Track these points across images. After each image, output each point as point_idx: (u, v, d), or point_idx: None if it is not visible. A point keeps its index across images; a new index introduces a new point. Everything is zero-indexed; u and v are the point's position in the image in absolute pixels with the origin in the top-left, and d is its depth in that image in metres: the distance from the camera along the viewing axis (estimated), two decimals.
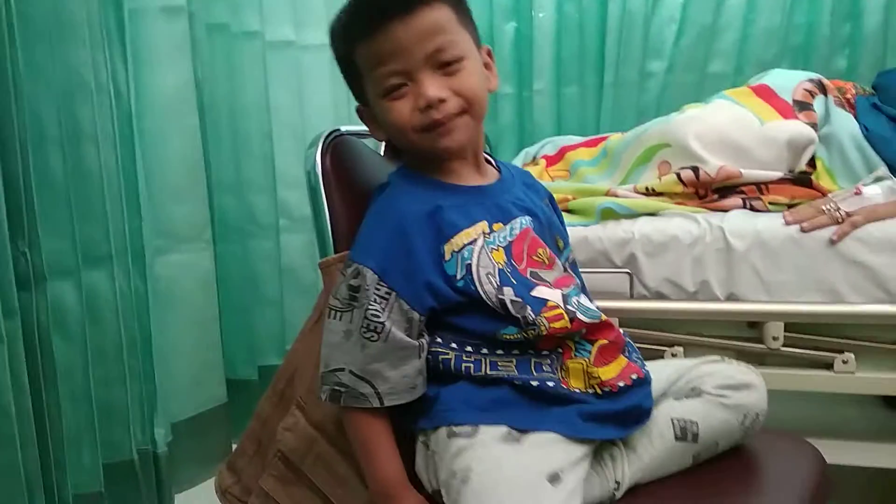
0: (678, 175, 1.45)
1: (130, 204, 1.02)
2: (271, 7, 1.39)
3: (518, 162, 1.94)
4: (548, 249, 0.83)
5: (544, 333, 0.77)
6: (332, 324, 0.78)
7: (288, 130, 1.42)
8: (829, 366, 1.24)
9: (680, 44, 2.07)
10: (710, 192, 1.44)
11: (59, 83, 0.92)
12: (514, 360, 0.78)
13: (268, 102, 1.36)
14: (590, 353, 0.80)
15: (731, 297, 1.29)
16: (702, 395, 0.86)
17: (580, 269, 1.08)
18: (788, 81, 1.58)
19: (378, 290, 0.76)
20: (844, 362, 1.23)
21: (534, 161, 1.91)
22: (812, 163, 1.47)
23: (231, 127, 1.29)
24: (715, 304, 1.29)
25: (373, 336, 0.76)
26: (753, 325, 1.28)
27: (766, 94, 1.56)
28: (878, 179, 1.30)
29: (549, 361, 0.78)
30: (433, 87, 0.76)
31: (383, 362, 0.76)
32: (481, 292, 0.76)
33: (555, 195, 1.51)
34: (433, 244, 0.77)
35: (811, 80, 1.57)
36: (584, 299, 0.82)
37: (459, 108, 0.77)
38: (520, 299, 0.77)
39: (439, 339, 0.79)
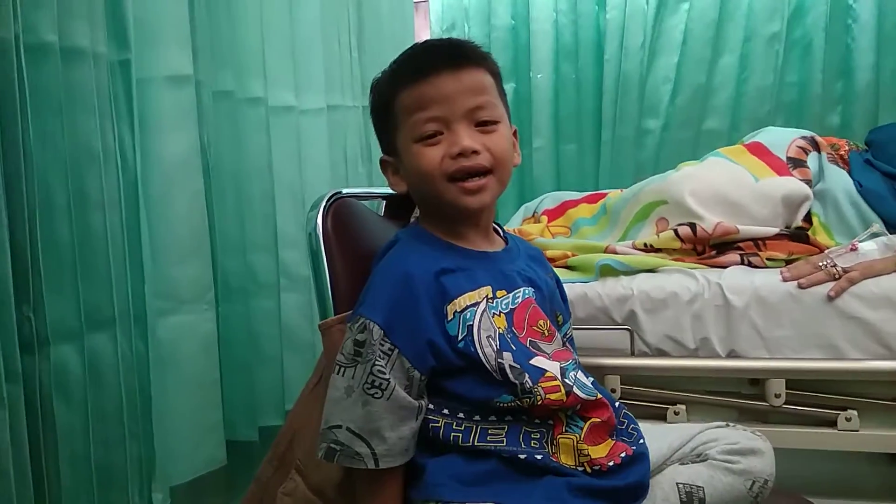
0: (676, 231, 1.46)
1: (134, 267, 1.03)
2: (274, 74, 1.43)
3: (518, 217, 1.97)
4: (548, 321, 0.85)
5: (539, 403, 0.77)
6: (336, 379, 0.78)
7: (288, 191, 1.45)
8: (832, 423, 1.23)
9: (675, 102, 2.12)
10: (708, 248, 1.46)
11: (68, 151, 0.95)
12: (506, 428, 0.78)
13: (270, 164, 1.40)
14: (581, 429, 0.80)
15: (731, 354, 1.29)
16: (707, 460, 0.86)
17: (581, 327, 1.10)
18: (782, 139, 1.61)
19: (382, 345, 0.76)
20: (848, 419, 1.22)
21: (534, 217, 1.94)
22: (808, 219, 1.49)
23: (235, 189, 1.32)
24: (716, 361, 1.29)
25: (376, 392, 0.76)
26: (755, 383, 1.28)
27: (760, 151, 1.59)
28: (874, 235, 1.31)
29: (538, 434, 0.79)
30: (469, 138, 0.79)
31: (384, 421, 0.76)
32: (481, 354, 0.77)
33: (555, 251, 1.55)
34: (437, 304, 0.79)
35: (804, 138, 1.60)
36: (581, 375, 0.83)
37: (489, 164, 0.80)
38: (518, 366, 0.78)
39: (431, 406, 0.80)
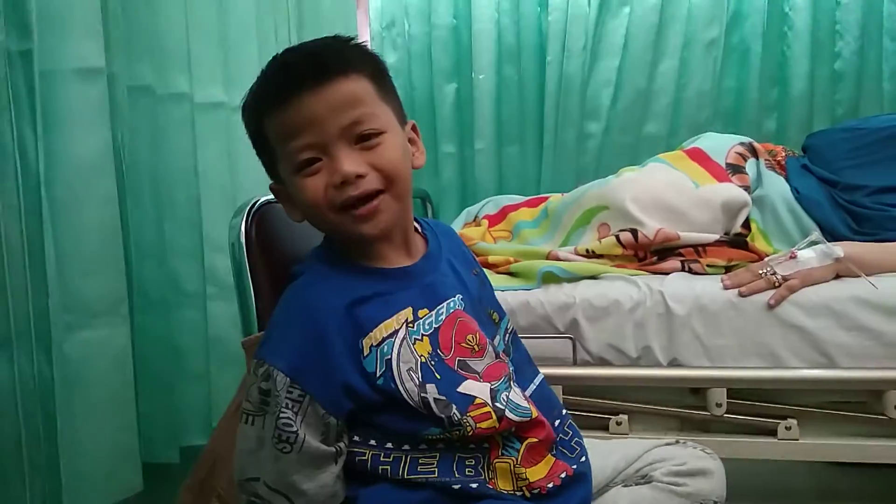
0: (617, 237, 1.44)
1: (36, 279, 0.94)
2: (201, 68, 1.34)
3: (460, 221, 1.93)
4: (478, 334, 0.78)
5: (470, 434, 0.72)
6: (245, 429, 0.71)
7: (218, 194, 1.36)
8: (772, 432, 1.23)
9: (616, 106, 2.11)
10: (649, 254, 1.44)
11: None
12: (438, 456, 0.73)
13: (196, 165, 1.31)
14: (518, 451, 0.75)
15: (673, 363, 1.28)
16: (652, 482, 0.82)
17: (523, 335, 1.05)
18: (721, 145, 1.61)
19: (290, 392, 0.69)
20: (787, 428, 1.22)
21: (475, 221, 1.90)
22: (747, 225, 1.49)
23: (154, 192, 1.22)
24: (658, 371, 1.27)
25: (285, 447, 0.69)
26: (697, 392, 1.26)
27: (699, 157, 1.59)
28: (813, 243, 1.32)
29: (473, 461, 0.73)
30: (349, 161, 0.71)
31: (298, 475, 0.70)
32: (402, 391, 0.71)
33: (497, 256, 1.51)
34: (351, 340, 0.72)
35: (742, 144, 1.61)
36: (514, 394, 0.77)
37: (379, 184, 0.72)
38: (444, 397, 0.72)
39: (357, 438, 0.74)
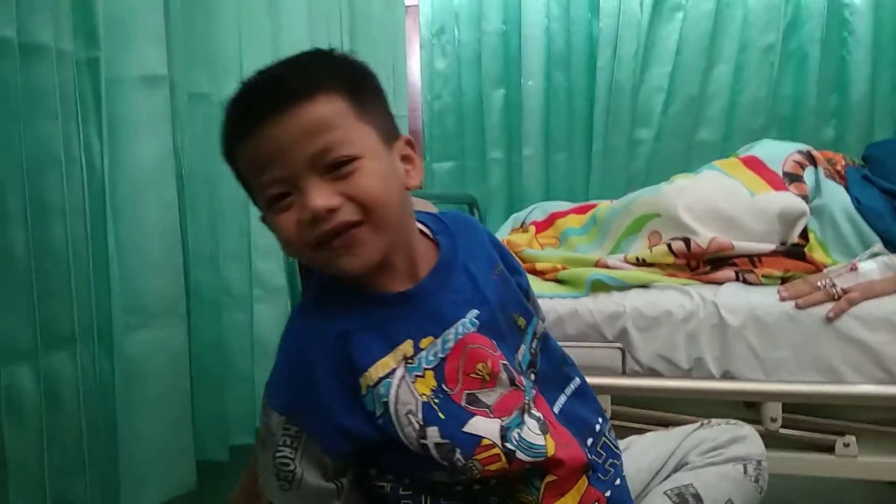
0: (669, 246, 1.42)
1: (99, 280, 0.97)
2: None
3: (507, 227, 1.92)
4: (490, 361, 0.71)
5: (478, 476, 0.68)
6: (260, 453, 0.70)
7: None
8: (829, 449, 1.19)
9: (668, 112, 2.08)
10: (702, 263, 1.41)
11: (26, 156, 0.88)
12: (461, 490, 0.70)
13: None
14: (539, 490, 0.70)
15: (726, 375, 1.25)
16: (691, 465, 0.80)
17: (572, 344, 1.02)
18: (778, 153, 1.57)
19: (287, 430, 0.67)
20: (846, 445, 1.18)
21: (522, 227, 1.89)
22: (804, 235, 1.45)
23: (208, 197, 1.25)
24: (711, 383, 1.24)
25: (284, 485, 0.68)
26: (751, 405, 1.23)
27: (755, 165, 1.55)
28: (874, 255, 1.27)
29: (496, 498, 0.70)
30: (319, 195, 0.63)
31: None
32: (402, 436, 0.66)
33: (545, 263, 1.50)
34: (346, 377, 0.67)
35: (800, 152, 1.56)
36: (528, 430, 0.70)
37: (355, 215, 0.65)
38: (447, 441, 0.67)
39: (373, 471, 0.71)
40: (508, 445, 0.68)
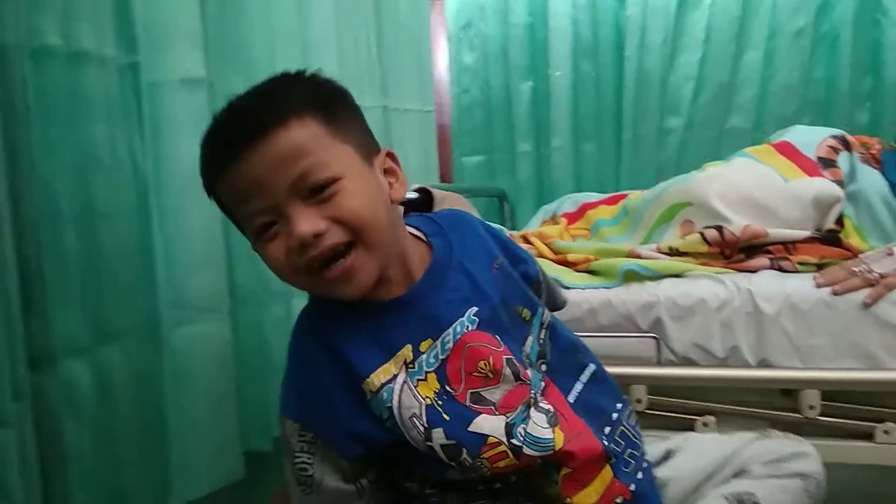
0: (702, 234, 1.42)
1: (146, 277, 1.00)
2: None
3: (537, 219, 1.93)
4: (491, 358, 0.70)
5: (488, 474, 0.68)
6: (286, 462, 0.73)
7: None
8: (869, 436, 1.19)
9: (698, 100, 2.07)
10: (736, 251, 1.41)
11: (75, 159, 0.91)
12: (484, 493, 0.71)
13: None
14: (556, 482, 0.71)
15: (762, 363, 1.25)
16: (751, 474, 0.79)
17: (606, 335, 1.00)
18: (811, 138, 1.56)
19: (303, 436, 0.70)
20: (886, 432, 1.17)
21: (553, 219, 1.90)
22: (840, 221, 1.44)
23: None
24: (747, 371, 1.24)
25: (305, 489, 0.70)
26: (788, 393, 1.23)
27: (788, 151, 1.54)
28: None
29: (513, 495, 0.70)
30: (304, 221, 0.63)
31: None
32: (409, 438, 0.68)
33: (577, 255, 1.51)
34: (351, 384, 0.69)
35: (835, 137, 1.55)
36: (534, 424, 0.70)
37: (344, 237, 0.65)
38: (453, 442, 0.67)
39: (400, 472, 0.73)
40: (514, 441, 0.68)
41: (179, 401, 1.02)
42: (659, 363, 1.30)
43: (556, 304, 0.99)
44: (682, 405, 1.27)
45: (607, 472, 0.72)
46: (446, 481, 0.72)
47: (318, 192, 0.64)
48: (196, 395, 1.06)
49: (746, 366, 1.25)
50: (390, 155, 0.74)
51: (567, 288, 1.40)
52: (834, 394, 1.20)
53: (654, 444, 0.88)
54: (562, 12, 2.15)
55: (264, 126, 0.64)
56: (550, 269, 1.43)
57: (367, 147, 0.71)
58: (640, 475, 0.75)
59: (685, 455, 0.83)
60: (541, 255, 1.61)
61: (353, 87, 1.58)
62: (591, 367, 0.82)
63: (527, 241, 1.69)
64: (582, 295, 1.38)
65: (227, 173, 0.66)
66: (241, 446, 1.14)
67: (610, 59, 2.15)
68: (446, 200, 1.27)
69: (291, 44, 1.42)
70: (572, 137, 2.22)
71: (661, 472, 0.83)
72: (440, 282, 0.72)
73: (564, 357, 0.80)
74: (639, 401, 1.25)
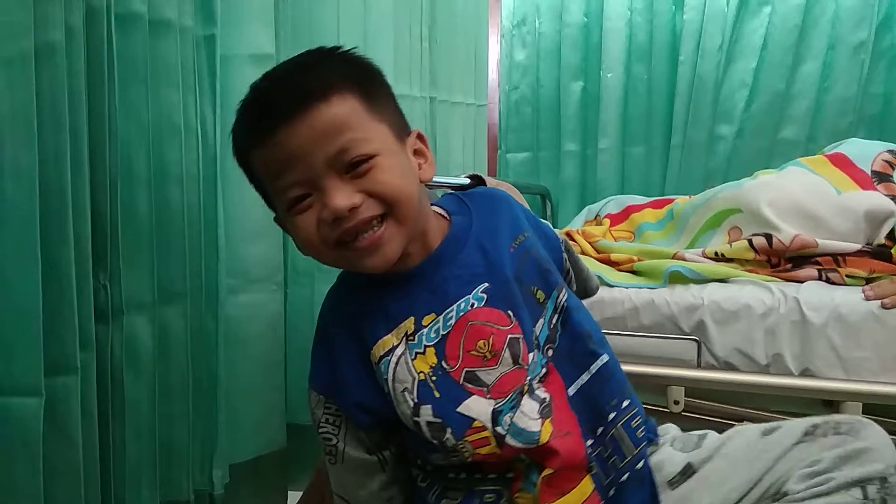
0: (750, 242, 1.41)
1: (209, 243, 1.03)
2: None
3: (581, 219, 1.93)
4: (492, 339, 0.70)
5: (469, 460, 0.68)
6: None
7: None
8: None
9: (751, 109, 2.05)
10: (784, 260, 1.40)
11: (151, 123, 0.95)
12: (464, 487, 0.71)
13: None
14: (534, 485, 0.68)
15: (805, 373, 1.24)
16: (788, 495, 0.67)
17: (647, 335, 0.99)
18: (866, 151, 1.54)
19: (328, 408, 0.72)
20: None
21: (596, 219, 1.90)
22: (891, 236, 1.42)
23: None
24: (789, 380, 1.24)
25: (331, 459, 0.73)
26: (829, 404, 1.22)
27: (842, 163, 1.52)
28: None
29: (493, 496, 0.70)
30: (340, 195, 0.64)
31: (349, 482, 0.73)
32: (399, 412, 0.68)
33: (620, 255, 1.51)
34: (363, 354, 0.70)
35: (891, 151, 1.53)
36: (521, 415, 0.68)
37: (378, 209, 0.66)
38: (439, 419, 0.67)
39: (410, 455, 0.75)
40: (499, 429, 0.67)
41: (231, 366, 1.06)
42: (699, 366, 1.30)
43: (587, 289, 0.96)
44: (720, 410, 1.27)
45: (587, 484, 0.70)
46: (436, 471, 0.73)
47: (355, 166, 0.65)
48: (246, 363, 1.09)
49: (789, 374, 1.24)
50: (420, 136, 0.74)
51: (610, 286, 1.41)
52: (877, 407, 1.18)
53: (676, 454, 0.79)
54: (618, 14, 2.15)
55: (306, 99, 0.64)
56: (593, 268, 1.43)
57: (400, 127, 0.72)
58: (623, 477, 0.72)
59: (705, 477, 0.73)
60: (584, 253, 1.61)
61: (403, 76, 1.63)
62: (604, 357, 0.77)
63: (570, 238, 1.70)
64: (625, 293, 1.39)
65: (264, 144, 0.66)
66: (285, 417, 1.17)
67: (664, 63, 2.14)
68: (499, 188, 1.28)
69: (354, 28, 1.45)
70: (620, 140, 2.21)
71: (677, 493, 0.74)
72: (452, 257, 0.73)
73: (575, 343, 0.76)
74: (676, 402, 1.25)
